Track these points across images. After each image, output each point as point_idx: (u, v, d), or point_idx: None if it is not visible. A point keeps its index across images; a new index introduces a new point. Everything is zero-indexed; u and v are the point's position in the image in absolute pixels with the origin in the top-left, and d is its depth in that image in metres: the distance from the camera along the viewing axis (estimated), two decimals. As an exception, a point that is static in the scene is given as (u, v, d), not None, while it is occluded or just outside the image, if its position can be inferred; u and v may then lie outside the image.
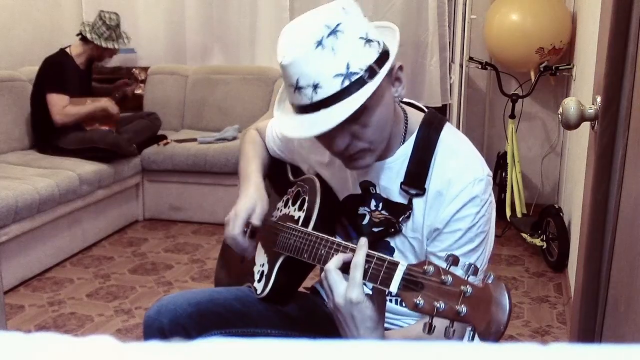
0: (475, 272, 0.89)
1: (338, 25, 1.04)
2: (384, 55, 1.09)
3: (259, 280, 1.35)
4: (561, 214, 3.16)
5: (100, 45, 3.71)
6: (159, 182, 3.98)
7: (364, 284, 1.00)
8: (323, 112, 1.05)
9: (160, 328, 1.27)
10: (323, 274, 1.04)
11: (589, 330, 1.34)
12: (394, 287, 0.94)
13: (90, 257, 3.42)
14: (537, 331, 2.61)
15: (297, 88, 1.06)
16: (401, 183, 1.20)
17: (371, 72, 1.05)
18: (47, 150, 3.68)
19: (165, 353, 0.35)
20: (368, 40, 1.07)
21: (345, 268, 1.03)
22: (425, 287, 0.91)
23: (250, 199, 1.31)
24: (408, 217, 1.20)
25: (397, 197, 1.22)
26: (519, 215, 3.50)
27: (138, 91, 4.22)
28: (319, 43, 1.03)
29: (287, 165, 1.50)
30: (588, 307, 1.33)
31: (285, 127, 1.15)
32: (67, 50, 3.73)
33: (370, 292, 1.02)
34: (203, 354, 0.35)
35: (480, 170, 1.17)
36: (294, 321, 1.38)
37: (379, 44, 1.09)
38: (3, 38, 3.98)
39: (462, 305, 0.87)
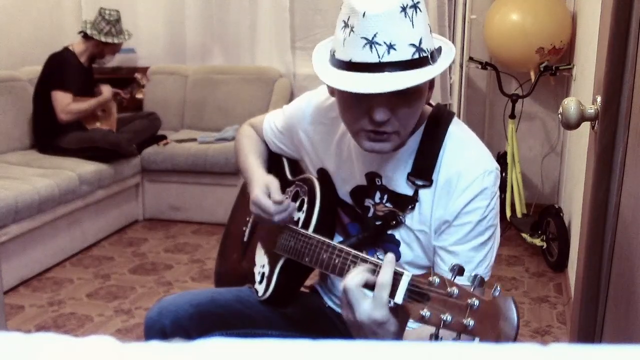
0: (482, 283, 0.88)
1: (418, 2, 1.06)
2: (438, 50, 1.11)
3: (260, 282, 1.35)
4: (561, 214, 3.16)
5: (100, 41, 3.73)
6: (159, 182, 3.98)
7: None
8: (387, 75, 1.04)
9: (161, 329, 1.27)
10: (342, 288, 0.98)
11: (589, 330, 1.34)
12: (399, 297, 0.93)
13: (90, 257, 3.42)
14: (537, 331, 2.61)
15: (371, 43, 1.04)
16: (408, 174, 1.19)
17: (432, 56, 1.08)
18: (47, 149, 3.68)
19: (164, 353, 0.35)
20: (431, 31, 1.11)
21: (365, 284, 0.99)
22: (432, 299, 0.89)
23: (260, 183, 1.31)
24: (413, 208, 1.19)
25: (403, 189, 1.21)
26: (519, 215, 3.50)
27: (139, 95, 4.24)
28: (403, 9, 1.04)
29: (284, 163, 1.48)
30: (588, 307, 1.33)
31: (340, 82, 1.08)
32: (70, 48, 3.75)
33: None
34: (203, 354, 0.35)
35: (490, 163, 1.17)
36: (294, 321, 1.38)
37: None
38: (3, 38, 3.98)
39: (469, 319, 0.86)
